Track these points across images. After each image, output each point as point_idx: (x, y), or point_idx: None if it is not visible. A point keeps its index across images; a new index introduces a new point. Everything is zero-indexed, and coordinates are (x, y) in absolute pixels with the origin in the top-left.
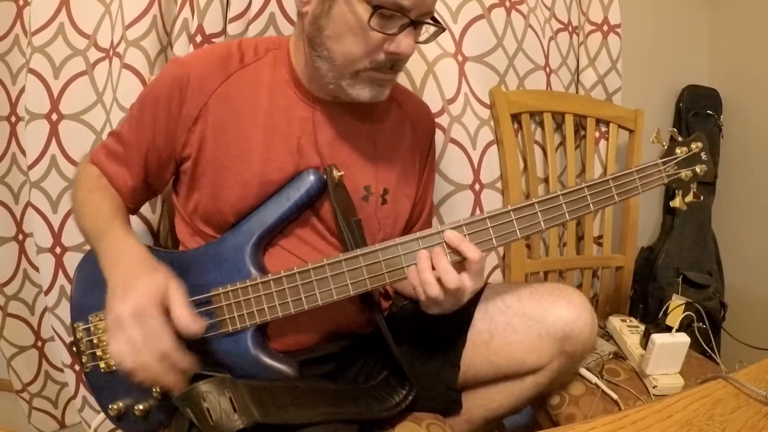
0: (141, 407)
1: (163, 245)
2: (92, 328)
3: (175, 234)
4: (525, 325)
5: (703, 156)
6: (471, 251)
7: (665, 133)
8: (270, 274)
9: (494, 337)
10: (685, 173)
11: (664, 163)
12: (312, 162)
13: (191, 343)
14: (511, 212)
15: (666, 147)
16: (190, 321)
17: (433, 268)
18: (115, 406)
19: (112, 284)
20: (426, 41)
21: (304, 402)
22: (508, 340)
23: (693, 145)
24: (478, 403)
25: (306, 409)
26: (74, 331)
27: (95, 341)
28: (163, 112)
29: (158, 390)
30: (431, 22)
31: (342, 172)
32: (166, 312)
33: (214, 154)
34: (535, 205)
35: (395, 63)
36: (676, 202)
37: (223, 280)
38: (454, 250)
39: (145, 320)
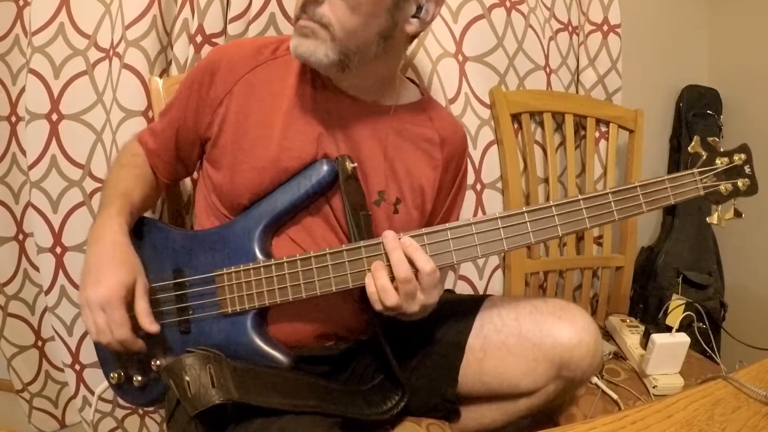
0: (140, 378)
1: None
2: None
3: (178, 224)
4: (521, 347)
5: (747, 169)
6: (422, 262)
7: (704, 143)
8: (273, 259)
9: (487, 356)
10: (724, 186)
11: (700, 173)
12: (330, 154)
13: (188, 328)
14: (525, 214)
15: (705, 156)
16: (146, 319)
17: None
18: (116, 374)
19: (87, 264)
20: None
21: (289, 390)
22: (502, 362)
23: (736, 157)
24: (472, 416)
25: (289, 397)
26: None
27: None
28: (195, 93)
29: (157, 364)
30: None
31: (355, 164)
32: (130, 303)
33: (234, 138)
34: (553, 208)
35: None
36: (714, 219)
37: (229, 262)
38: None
39: (109, 311)
